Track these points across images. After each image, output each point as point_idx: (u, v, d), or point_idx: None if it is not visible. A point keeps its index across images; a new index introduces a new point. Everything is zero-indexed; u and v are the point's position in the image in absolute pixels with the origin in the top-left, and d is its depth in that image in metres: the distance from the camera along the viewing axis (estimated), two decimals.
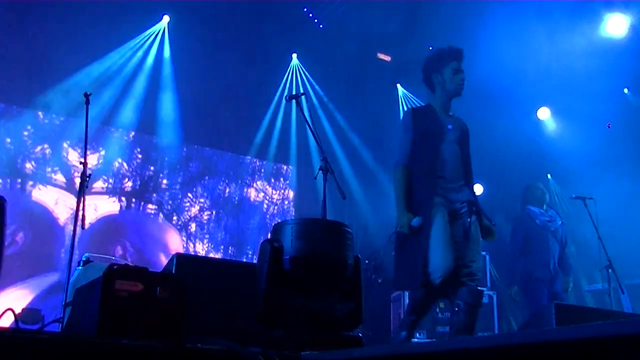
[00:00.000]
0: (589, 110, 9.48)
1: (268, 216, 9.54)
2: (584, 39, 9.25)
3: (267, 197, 9.82)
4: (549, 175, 10.46)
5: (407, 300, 7.12)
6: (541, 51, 9.00)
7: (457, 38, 7.10)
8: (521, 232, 6.91)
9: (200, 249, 9.03)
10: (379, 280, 7.79)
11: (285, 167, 10.21)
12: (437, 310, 7.12)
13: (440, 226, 4.03)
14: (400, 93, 11.34)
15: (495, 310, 7.27)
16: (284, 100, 10.07)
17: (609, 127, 9.14)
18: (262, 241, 3.75)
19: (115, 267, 2.97)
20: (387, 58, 10.41)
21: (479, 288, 4.14)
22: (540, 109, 10.42)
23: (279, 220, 5.17)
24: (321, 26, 9.75)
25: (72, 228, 5.10)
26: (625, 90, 10.25)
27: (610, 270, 6.63)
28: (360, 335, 3.94)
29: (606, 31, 9.24)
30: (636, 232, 8.62)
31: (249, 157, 9.84)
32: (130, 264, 4.99)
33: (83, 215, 5.02)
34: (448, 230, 4.06)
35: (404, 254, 4.17)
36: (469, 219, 4.19)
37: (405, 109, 11.52)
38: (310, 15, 9.66)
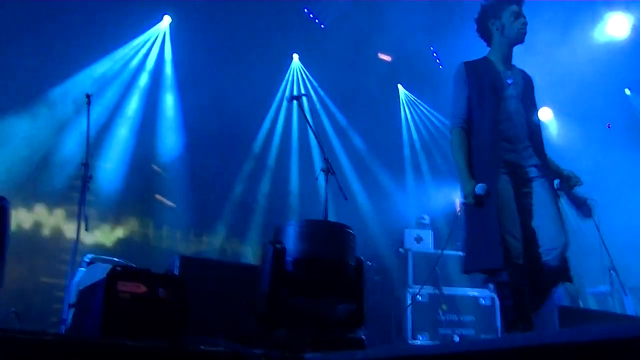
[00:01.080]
0: (591, 111, 9.49)
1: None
2: (586, 40, 9.26)
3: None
4: None
5: (408, 301, 7.12)
6: (542, 52, 8.99)
7: (456, 37, 7.14)
8: None
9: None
10: (382, 282, 7.79)
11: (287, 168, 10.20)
12: (440, 312, 7.11)
13: (508, 198, 3.53)
14: (401, 94, 11.36)
15: (498, 312, 7.25)
16: (285, 101, 10.08)
17: (609, 127, 9.09)
18: (264, 242, 3.76)
19: (118, 268, 2.98)
20: (388, 58, 10.42)
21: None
22: (541, 109, 10.42)
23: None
24: (322, 26, 9.77)
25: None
26: (627, 91, 10.26)
27: (613, 273, 6.62)
28: (363, 336, 3.94)
29: (607, 32, 9.26)
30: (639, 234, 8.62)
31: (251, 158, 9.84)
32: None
33: (85, 217, 5.03)
34: (513, 204, 3.55)
35: (476, 229, 3.58)
36: (539, 185, 3.65)
37: (408, 106, 11.73)
38: (311, 15, 9.68)
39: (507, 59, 3.95)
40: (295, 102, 5.51)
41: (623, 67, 9.29)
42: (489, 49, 4.01)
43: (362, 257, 4.04)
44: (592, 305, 7.91)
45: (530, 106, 3.85)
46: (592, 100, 9.42)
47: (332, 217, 4.97)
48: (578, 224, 7.28)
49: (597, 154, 9.47)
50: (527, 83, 3.93)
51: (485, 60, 3.94)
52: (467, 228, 3.64)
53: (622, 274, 6.61)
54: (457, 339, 6.97)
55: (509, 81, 3.85)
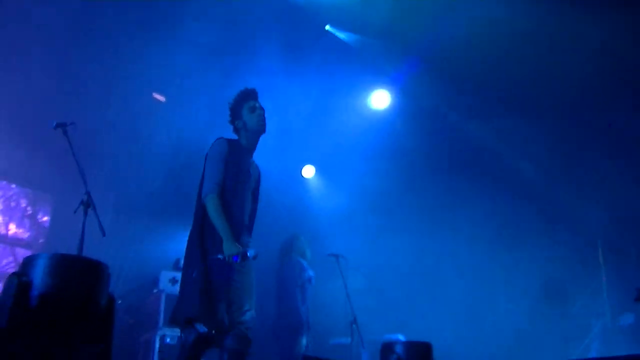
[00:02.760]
0: (350, 174, 10.21)
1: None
2: (351, 109, 10.04)
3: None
4: None
5: (157, 343, 6.98)
6: (310, 114, 9.54)
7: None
8: (299, 280, 7.13)
9: None
10: (130, 322, 7.58)
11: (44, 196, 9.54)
12: None
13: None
14: None
15: None
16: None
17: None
18: (9, 275, 3.51)
19: None
20: (162, 98, 10.17)
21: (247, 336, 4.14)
22: (305, 166, 10.88)
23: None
24: None
25: None
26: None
27: (354, 325, 7.07)
28: None
29: (371, 104, 10.12)
30: (377, 289, 9.35)
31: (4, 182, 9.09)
32: None
33: None
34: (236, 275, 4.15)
35: (208, 287, 4.00)
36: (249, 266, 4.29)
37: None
38: None
39: (252, 149, 4.57)
40: (61, 129, 5.23)
41: (380, 135, 10.16)
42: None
43: (113, 295, 3.93)
44: (333, 355, 8.36)
45: (255, 196, 4.57)
46: (352, 163, 10.15)
47: (87, 253, 4.77)
48: (324, 282, 7.74)
49: (351, 213, 10.16)
50: (258, 176, 4.65)
51: (240, 145, 4.51)
52: (200, 281, 4.00)
53: (362, 328, 7.09)
54: None
55: (251, 172, 4.50)
